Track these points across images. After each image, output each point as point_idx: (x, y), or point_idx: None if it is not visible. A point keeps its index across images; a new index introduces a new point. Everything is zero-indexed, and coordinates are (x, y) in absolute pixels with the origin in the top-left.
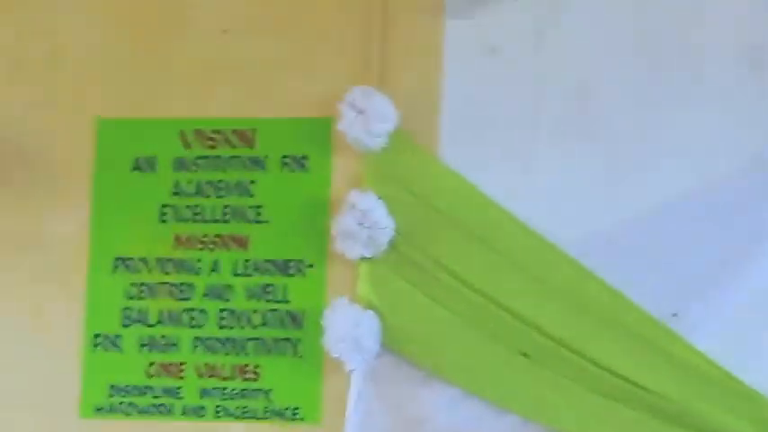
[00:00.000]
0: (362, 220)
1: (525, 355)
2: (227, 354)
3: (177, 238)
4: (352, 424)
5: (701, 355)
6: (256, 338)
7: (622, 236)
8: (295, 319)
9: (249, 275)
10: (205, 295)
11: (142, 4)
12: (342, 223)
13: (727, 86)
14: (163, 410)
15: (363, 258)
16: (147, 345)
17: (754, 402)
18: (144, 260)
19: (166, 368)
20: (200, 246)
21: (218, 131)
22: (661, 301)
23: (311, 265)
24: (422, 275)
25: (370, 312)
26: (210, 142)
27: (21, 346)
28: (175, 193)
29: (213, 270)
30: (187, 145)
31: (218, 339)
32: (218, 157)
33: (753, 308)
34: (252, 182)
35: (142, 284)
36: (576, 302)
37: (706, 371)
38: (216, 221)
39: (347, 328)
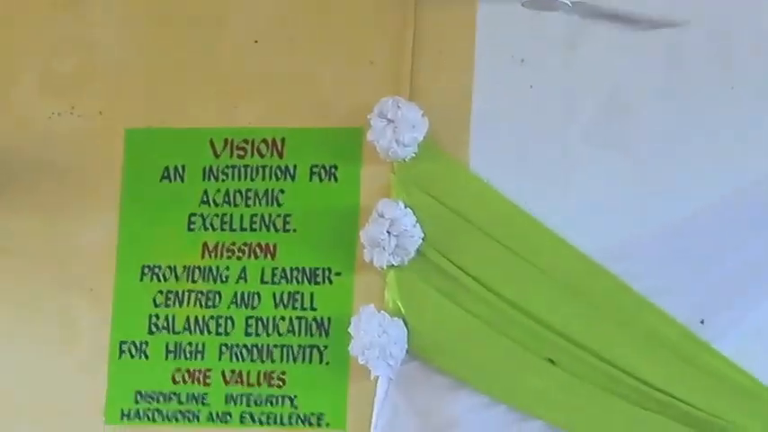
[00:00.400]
0: (390, 229)
1: (551, 361)
2: (253, 361)
3: (205, 247)
4: (378, 430)
5: (728, 363)
6: (283, 346)
7: (651, 244)
8: (322, 327)
9: (277, 283)
10: (232, 303)
11: (172, 16)
12: (370, 232)
13: (759, 94)
14: (189, 417)
15: (391, 266)
16: (174, 352)
17: None
18: (171, 268)
19: (192, 375)
20: (227, 254)
21: (247, 141)
22: (689, 309)
23: (339, 273)
24: (449, 283)
25: (397, 320)
26: (240, 152)
27: (48, 353)
28: (204, 202)
29: (240, 278)
30: (216, 154)
31: (244, 346)
32: (246, 166)
33: None
34: (281, 191)
35: (169, 292)
36: (603, 310)
37: (733, 379)
38: (244, 230)
39: (374, 335)
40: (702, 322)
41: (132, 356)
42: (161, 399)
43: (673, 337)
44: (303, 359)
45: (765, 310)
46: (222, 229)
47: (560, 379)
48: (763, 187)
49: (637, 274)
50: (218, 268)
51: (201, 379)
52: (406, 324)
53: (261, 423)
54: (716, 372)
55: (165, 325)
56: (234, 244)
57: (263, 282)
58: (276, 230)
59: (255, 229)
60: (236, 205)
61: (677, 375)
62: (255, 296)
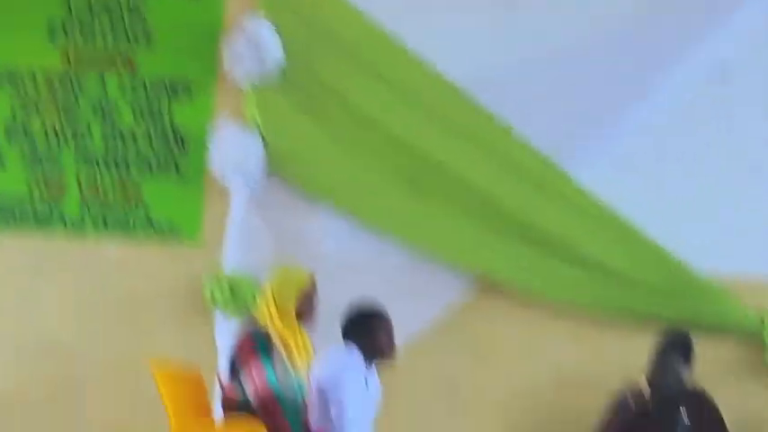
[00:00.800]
0: (253, 44)
1: (412, 182)
2: (109, 171)
3: (66, 56)
4: (233, 245)
5: (585, 193)
6: (140, 157)
7: (516, 74)
8: (180, 141)
9: (136, 96)
10: (90, 114)
11: None
12: (232, 47)
13: None
14: (43, 224)
15: (252, 83)
16: (31, 160)
17: (631, 236)
18: (31, 76)
19: (49, 183)
20: (88, 65)
21: None
22: (550, 138)
23: (199, 88)
24: (311, 102)
25: (257, 136)
26: None
27: None
28: (66, 11)
29: (100, 89)
30: None
31: (101, 157)
32: None
33: (640, 145)
34: (143, 2)
35: (28, 100)
36: (465, 135)
37: (587, 205)
38: (105, 41)
39: (232, 150)
40: (563, 154)
41: None
42: (15, 207)
43: (532, 165)
44: (160, 171)
45: (627, 145)
46: (83, 40)
47: (419, 199)
48: (628, 20)
49: (500, 103)
50: (77, 78)
51: (57, 188)
52: (265, 141)
53: (115, 233)
54: (573, 199)
55: (22, 133)
56: (95, 55)
57: (122, 93)
58: (138, 43)
59: (118, 41)
60: (97, 16)
61: (535, 201)
62: (114, 108)
